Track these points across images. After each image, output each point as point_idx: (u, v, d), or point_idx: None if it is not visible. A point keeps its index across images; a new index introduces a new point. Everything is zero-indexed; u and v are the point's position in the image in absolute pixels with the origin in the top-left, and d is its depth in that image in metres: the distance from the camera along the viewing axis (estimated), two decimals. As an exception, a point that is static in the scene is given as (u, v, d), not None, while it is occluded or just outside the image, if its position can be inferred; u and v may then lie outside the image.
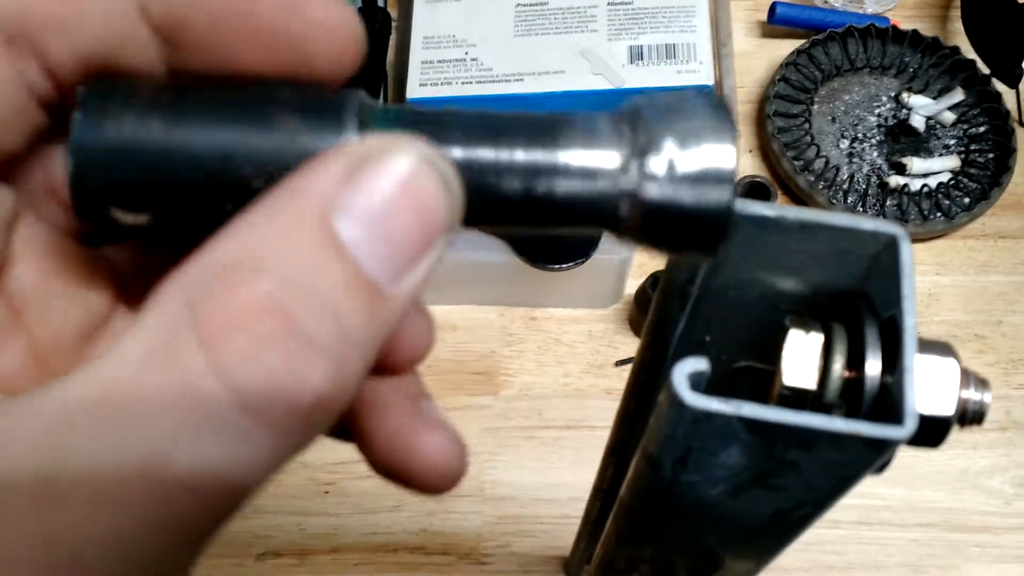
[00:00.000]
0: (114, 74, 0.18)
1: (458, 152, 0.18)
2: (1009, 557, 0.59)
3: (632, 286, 0.64)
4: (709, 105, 0.19)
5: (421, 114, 0.19)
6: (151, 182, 0.18)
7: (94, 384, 0.15)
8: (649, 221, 0.19)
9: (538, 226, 0.20)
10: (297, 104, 0.18)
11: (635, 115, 0.19)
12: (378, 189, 0.16)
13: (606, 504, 0.41)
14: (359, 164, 0.16)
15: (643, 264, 0.64)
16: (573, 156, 0.19)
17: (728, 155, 0.19)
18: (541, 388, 0.63)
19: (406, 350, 0.22)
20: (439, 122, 0.19)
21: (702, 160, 0.19)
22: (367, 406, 0.21)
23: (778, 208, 0.25)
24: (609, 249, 0.59)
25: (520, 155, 0.19)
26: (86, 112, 0.17)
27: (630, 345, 0.64)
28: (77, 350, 0.21)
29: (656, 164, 0.19)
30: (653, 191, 0.19)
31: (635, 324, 0.65)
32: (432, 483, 0.21)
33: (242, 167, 0.18)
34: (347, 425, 0.21)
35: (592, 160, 0.19)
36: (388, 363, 0.21)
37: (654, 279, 0.62)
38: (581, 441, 0.61)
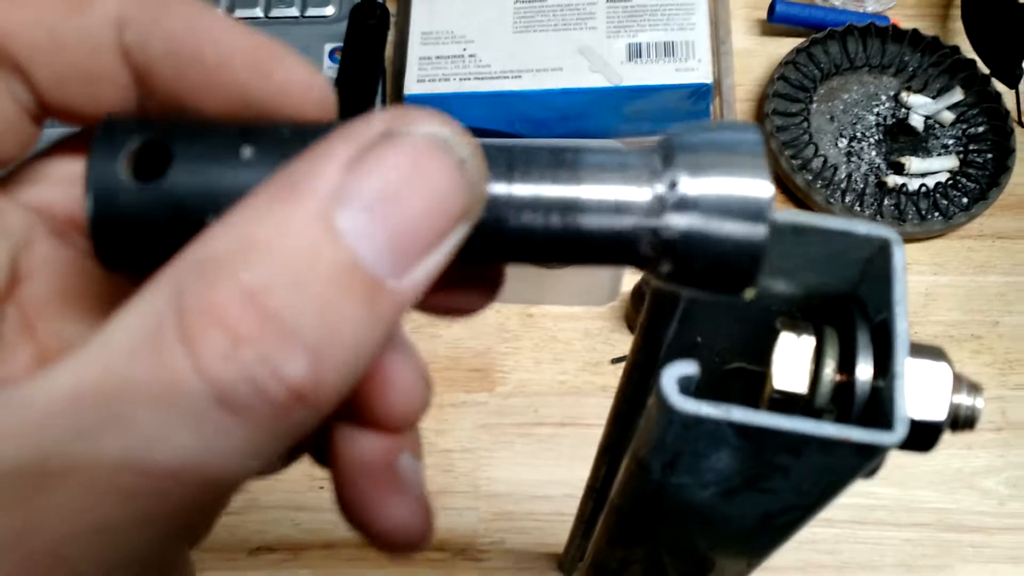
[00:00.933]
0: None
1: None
2: (1003, 558, 0.59)
3: (629, 283, 0.64)
4: (744, 139, 0.18)
5: None
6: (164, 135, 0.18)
7: (79, 375, 0.15)
8: (678, 257, 0.18)
9: (563, 261, 0.19)
10: (305, 132, 0.18)
11: (667, 148, 0.18)
12: (384, 172, 0.15)
13: (599, 503, 0.41)
14: (364, 148, 0.16)
15: (640, 262, 0.64)
16: (599, 191, 0.18)
17: (763, 188, 0.18)
18: (537, 385, 0.63)
19: (391, 405, 0.20)
20: None
21: (735, 194, 0.18)
22: (341, 454, 0.20)
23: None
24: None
25: (545, 189, 0.18)
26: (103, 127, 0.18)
27: (626, 343, 0.64)
28: None
29: (686, 199, 0.18)
30: (683, 225, 0.18)
31: (631, 322, 0.65)
32: (390, 548, 0.20)
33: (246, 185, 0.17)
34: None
35: (619, 195, 0.18)
36: (371, 417, 0.20)
37: (651, 277, 0.61)
38: (576, 438, 0.61)
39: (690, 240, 0.18)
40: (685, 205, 0.18)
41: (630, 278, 0.64)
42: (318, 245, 0.15)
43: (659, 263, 0.19)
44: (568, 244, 0.18)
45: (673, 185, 0.18)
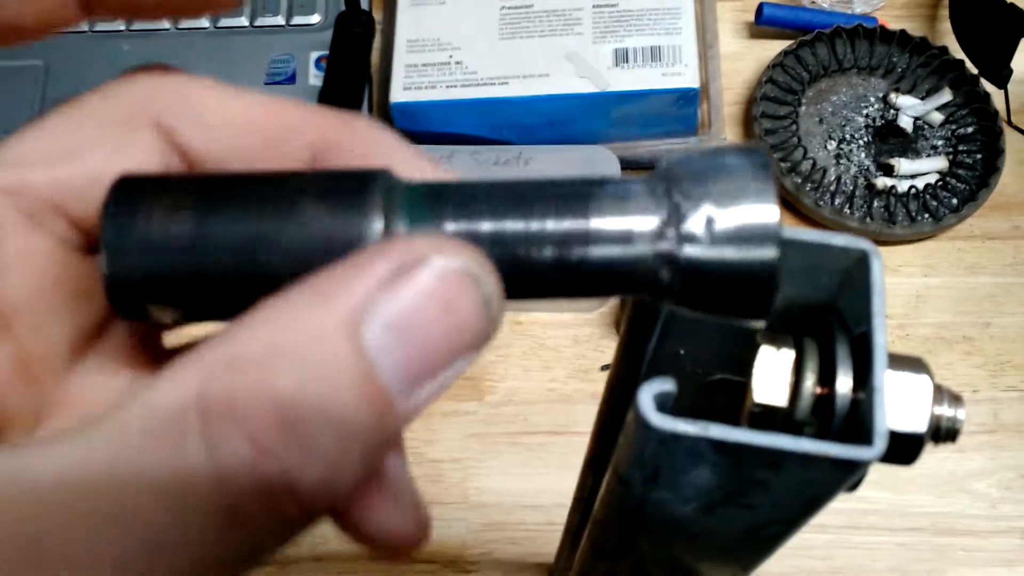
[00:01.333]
0: (138, 176, 0.19)
1: (489, 226, 0.18)
2: (995, 561, 0.59)
3: (618, 290, 0.64)
4: (749, 162, 0.18)
5: (447, 188, 0.18)
6: (183, 277, 0.18)
7: (87, 456, 0.15)
8: (690, 284, 0.18)
9: (576, 295, 0.19)
10: (319, 189, 0.18)
11: (671, 176, 0.19)
12: (412, 296, 0.16)
13: (586, 514, 0.41)
14: (400, 269, 0.16)
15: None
16: (607, 222, 0.18)
17: (770, 212, 0.18)
18: (526, 393, 0.63)
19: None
20: (467, 195, 0.18)
21: (743, 218, 0.18)
22: None
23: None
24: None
25: (552, 225, 0.18)
26: (116, 212, 0.18)
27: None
28: (67, 362, 0.21)
29: (694, 224, 0.18)
30: (692, 252, 0.18)
31: (621, 328, 0.64)
32: (389, 554, 0.20)
33: (270, 259, 0.18)
34: None
35: (627, 224, 0.18)
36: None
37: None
38: (566, 447, 0.61)
39: (700, 268, 0.18)
40: (693, 234, 0.18)
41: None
42: (344, 356, 0.15)
43: (674, 292, 0.19)
44: (582, 278, 0.18)
45: (680, 214, 0.18)
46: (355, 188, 0.18)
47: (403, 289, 0.16)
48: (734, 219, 0.18)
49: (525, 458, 0.61)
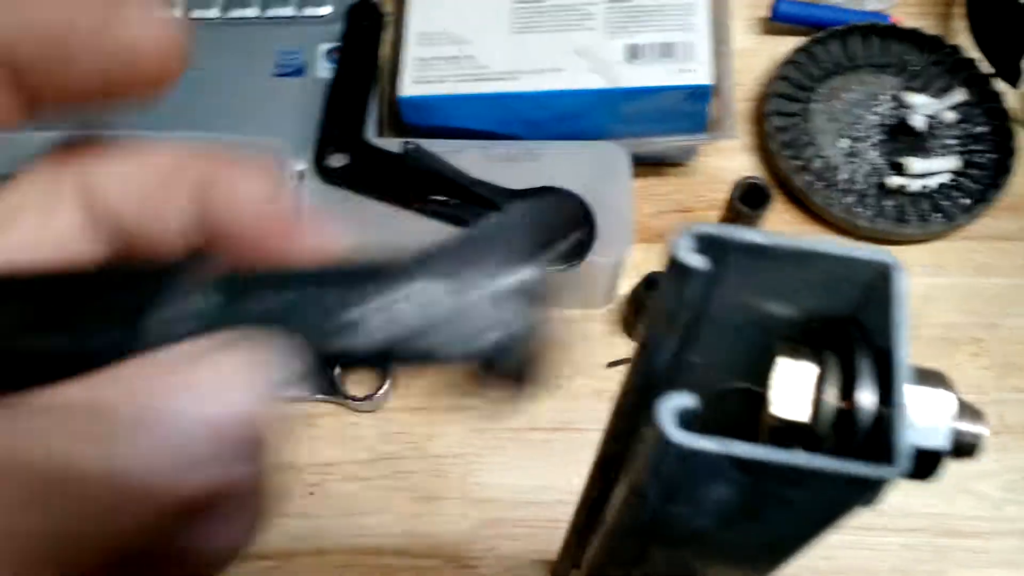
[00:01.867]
0: None
1: (271, 317, 0.19)
2: (998, 562, 0.59)
3: (626, 287, 0.64)
4: (523, 225, 0.20)
5: (240, 280, 0.20)
6: None
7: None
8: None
9: (370, 366, 0.20)
10: (118, 290, 0.19)
11: (452, 250, 0.20)
12: (205, 385, 0.18)
13: (593, 516, 0.41)
14: (197, 362, 0.18)
15: (637, 266, 0.63)
16: (377, 305, 0.19)
17: (529, 278, 0.19)
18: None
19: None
20: (257, 286, 0.19)
21: (506, 285, 0.19)
22: None
23: (769, 236, 0.25)
24: (602, 251, 0.58)
25: (338, 315, 0.19)
26: None
27: (622, 346, 0.64)
28: None
29: (464, 292, 0.19)
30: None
31: (628, 325, 0.64)
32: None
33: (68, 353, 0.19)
34: None
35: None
36: None
37: (648, 281, 0.61)
38: (570, 443, 0.61)
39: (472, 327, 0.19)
40: (463, 295, 0.19)
41: (627, 281, 0.64)
42: (134, 431, 0.17)
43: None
44: (363, 358, 0.19)
45: (453, 278, 0.19)
46: (146, 289, 0.19)
47: (199, 382, 0.18)
48: (495, 286, 0.19)
49: (528, 454, 0.61)
